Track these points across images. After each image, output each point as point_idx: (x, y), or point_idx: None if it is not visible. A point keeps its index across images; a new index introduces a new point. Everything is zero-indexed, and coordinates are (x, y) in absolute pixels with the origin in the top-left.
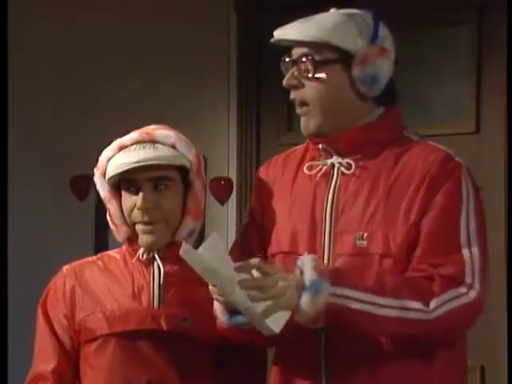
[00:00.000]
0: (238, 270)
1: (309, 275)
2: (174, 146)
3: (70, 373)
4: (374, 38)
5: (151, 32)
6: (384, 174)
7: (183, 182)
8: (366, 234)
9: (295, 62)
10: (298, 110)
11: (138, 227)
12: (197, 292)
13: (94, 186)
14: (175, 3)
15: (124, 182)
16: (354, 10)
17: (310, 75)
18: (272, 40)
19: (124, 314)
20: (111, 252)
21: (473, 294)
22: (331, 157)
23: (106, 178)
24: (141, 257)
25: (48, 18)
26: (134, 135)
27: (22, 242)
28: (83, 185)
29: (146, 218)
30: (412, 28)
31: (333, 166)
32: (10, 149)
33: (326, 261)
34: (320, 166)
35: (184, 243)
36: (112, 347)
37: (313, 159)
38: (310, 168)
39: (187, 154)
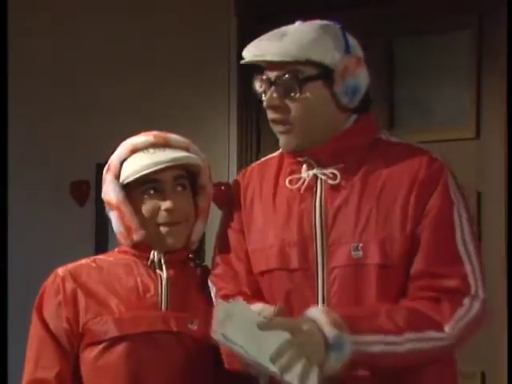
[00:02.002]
0: (262, 328)
1: (330, 332)
2: (187, 149)
3: (71, 376)
4: (347, 48)
5: (152, 33)
6: (370, 181)
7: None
8: (360, 245)
9: (273, 82)
10: (280, 128)
11: (164, 229)
12: (199, 295)
13: (95, 189)
14: (176, 5)
15: (141, 184)
16: (322, 22)
17: (296, 95)
18: (245, 61)
19: (134, 317)
20: (102, 256)
21: (477, 303)
22: (312, 168)
23: (125, 180)
24: (155, 259)
25: (48, 17)
26: (148, 138)
27: (22, 242)
28: (82, 190)
29: (173, 219)
30: (412, 32)
31: (315, 177)
32: (10, 149)
33: (320, 274)
34: (303, 179)
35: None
36: (120, 349)
37: (293, 172)
38: (292, 182)
39: (201, 156)
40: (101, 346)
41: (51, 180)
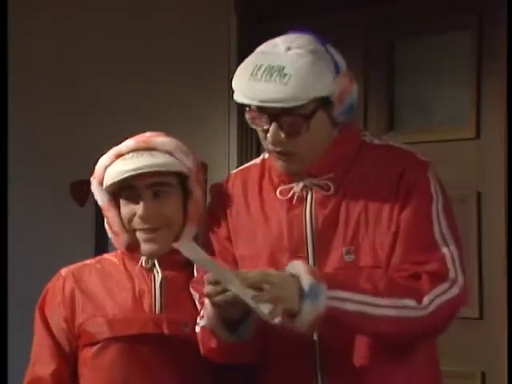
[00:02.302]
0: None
1: (306, 280)
2: (170, 153)
3: (69, 377)
4: (336, 67)
5: (152, 33)
6: (358, 186)
7: (182, 188)
8: (352, 248)
9: (274, 118)
10: (282, 158)
11: (140, 235)
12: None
13: None
14: (176, 5)
15: (122, 189)
16: (310, 43)
17: (303, 131)
18: (246, 103)
19: (126, 319)
20: (108, 255)
21: (456, 288)
22: (302, 178)
23: (104, 186)
24: (144, 264)
25: (48, 17)
26: (130, 143)
27: (22, 242)
28: (82, 190)
29: (147, 226)
30: (412, 32)
31: (304, 186)
32: (10, 149)
33: None
34: (293, 191)
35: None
36: (113, 351)
37: (282, 182)
38: (283, 193)
39: (185, 161)
40: (95, 347)
41: (51, 180)
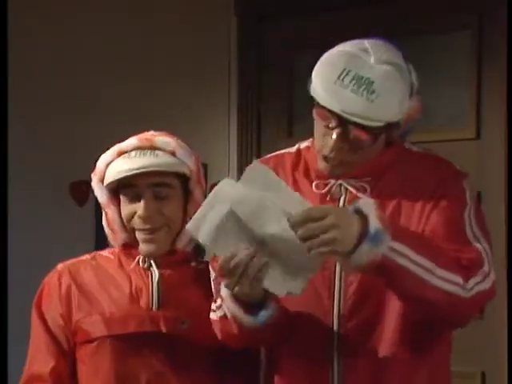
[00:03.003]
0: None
1: (374, 224)
2: (173, 153)
3: (68, 373)
4: (411, 87)
5: (152, 33)
6: (393, 189)
7: (183, 189)
8: None
9: (342, 123)
10: (328, 162)
11: (139, 235)
12: (194, 295)
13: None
14: (176, 5)
15: (123, 188)
16: (397, 59)
17: (365, 147)
18: (326, 106)
19: (123, 317)
20: (104, 252)
21: (489, 281)
22: (339, 177)
23: (105, 183)
24: (140, 263)
25: (48, 17)
26: (133, 141)
27: (22, 242)
28: (82, 190)
29: (147, 226)
30: (412, 32)
31: (341, 184)
32: (10, 149)
33: (337, 277)
34: (329, 186)
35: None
36: (110, 349)
37: (318, 177)
38: (319, 187)
39: (187, 162)
40: (92, 345)
41: (51, 180)
